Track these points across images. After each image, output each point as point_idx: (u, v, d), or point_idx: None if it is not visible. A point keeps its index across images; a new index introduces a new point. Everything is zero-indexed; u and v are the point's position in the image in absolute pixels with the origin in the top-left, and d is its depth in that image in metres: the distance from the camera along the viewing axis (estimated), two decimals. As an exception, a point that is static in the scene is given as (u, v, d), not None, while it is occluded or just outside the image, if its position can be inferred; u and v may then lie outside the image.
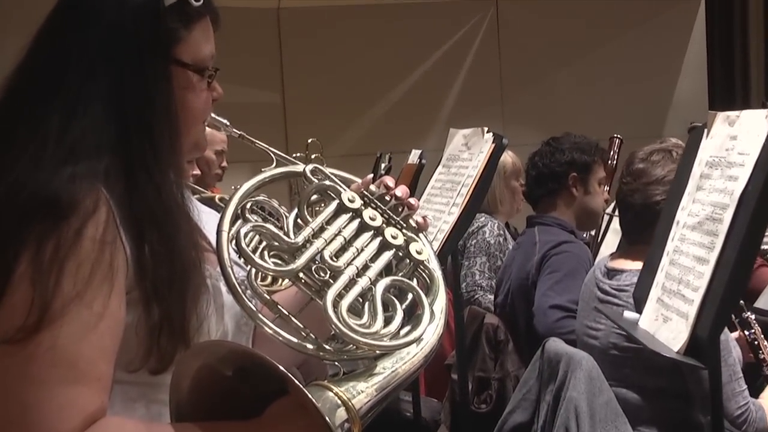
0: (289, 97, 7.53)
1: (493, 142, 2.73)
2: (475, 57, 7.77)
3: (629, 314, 2.16)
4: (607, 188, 3.74)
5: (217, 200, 2.46)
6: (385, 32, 7.52)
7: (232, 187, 1.40)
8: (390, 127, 7.45)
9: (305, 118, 7.34)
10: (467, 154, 2.83)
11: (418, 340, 1.31)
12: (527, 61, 7.69)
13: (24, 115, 1.29)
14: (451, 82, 7.76)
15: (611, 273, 2.69)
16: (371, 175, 1.48)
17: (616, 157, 4.38)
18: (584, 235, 3.98)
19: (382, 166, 4.56)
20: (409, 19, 7.59)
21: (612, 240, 4.03)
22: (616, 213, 4.19)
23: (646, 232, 2.44)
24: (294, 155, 6.54)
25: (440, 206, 2.79)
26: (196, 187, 2.54)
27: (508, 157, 4.23)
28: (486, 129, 2.82)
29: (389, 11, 7.59)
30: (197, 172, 3.75)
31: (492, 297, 3.83)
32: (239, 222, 1.38)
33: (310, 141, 6.56)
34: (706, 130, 2.09)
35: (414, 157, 3.46)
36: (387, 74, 7.52)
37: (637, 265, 2.52)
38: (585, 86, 7.68)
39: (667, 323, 1.95)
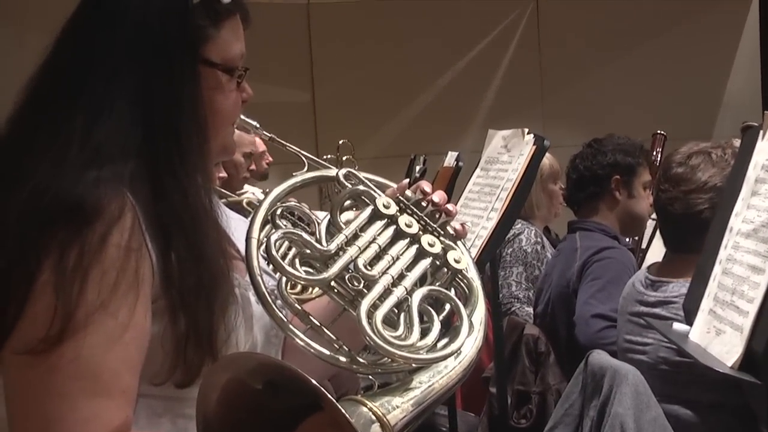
0: (319, 96, 7.55)
1: (534, 144, 2.72)
2: (513, 54, 7.76)
3: (679, 326, 2.13)
4: (652, 192, 3.71)
5: (244, 204, 2.47)
6: (419, 29, 7.52)
7: (259, 192, 1.40)
8: (424, 127, 7.44)
9: (336, 118, 7.36)
10: (507, 156, 2.82)
11: (456, 353, 1.31)
12: (568, 58, 7.66)
13: (47, 117, 1.30)
14: (489, 81, 7.74)
15: (655, 284, 2.65)
16: (407, 180, 1.47)
17: (660, 155, 4.34)
18: (627, 241, 3.95)
19: (417, 168, 4.55)
20: (445, 14, 7.58)
21: (658, 247, 3.98)
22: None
23: (691, 241, 2.41)
24: (324, 157, 6.59)
25: (478, 211, 2.78)
26: (223, 191, 2.55)
27: (545, 159, 4.19)
28: (526, 130, 2.81)
29: (424, 7, 7.58)
30: (224, 174, 3.77)
31: (530, 309, 3.81)
32: (269, 228, 1.38)
33: (341, 142, 6.59)
34: (761, 132, 2.05)
35: (450, 159, 3.45)
36: (422, 72, 7.52)
37: (683, 274, 2.49)
38: (629, 84, 7.62)
39: (720, 336, 1.92)
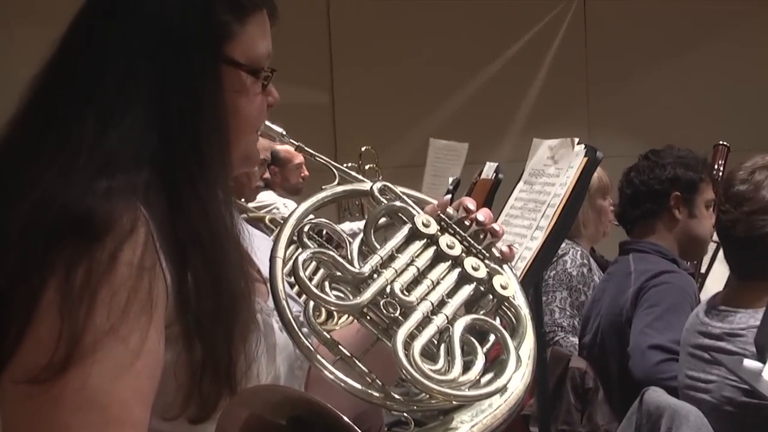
0: (339, 97, 7.59)
1: (584, 156, 2.71)
2: (557, 54, 7.76)
3: (751, 363, 2.12)
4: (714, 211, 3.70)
5: (267, 222, 2.48)
6: (449, 25, 7.54)
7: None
8: (456, 134, 7.44)
9: (357, 122, 7.39)
10: (554, 168, 2.81)
11: (502, 389, 1.31)
12: (618, 58, 7.65)
13: (54, 121, 1.31)
14: (529, 83, 7.75)
15: (721, 314, 2.64)
16: (449, 196, 1.48)
17: (722, 169, 4.32)
18: (687, 265, 3.93)
19: (450, 180, 4.55)
20: (479, 9, 7.59)
21: (720, 272, 3.97)
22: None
23: (756, 267, 2.40)
24: (344, 166, 6.56)
25: (521, 230, 2.78)
26: (243, 205, 2.56)
27: (594, 172, 4.19)
28: (576, 140, 2.80)
29: (454, 1, 7.60)
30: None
31: (575, 339, 3.80)
32: (295, 247, 1.39)
33: (363, 150, 6.61)
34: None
35: (489, 170, 3.45)
36: (452, 73, 7.54)
37: (752, 304, 2.47)
38: (686, 89, 7.60)
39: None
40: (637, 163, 3.63)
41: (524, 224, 2.79)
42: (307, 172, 4.54)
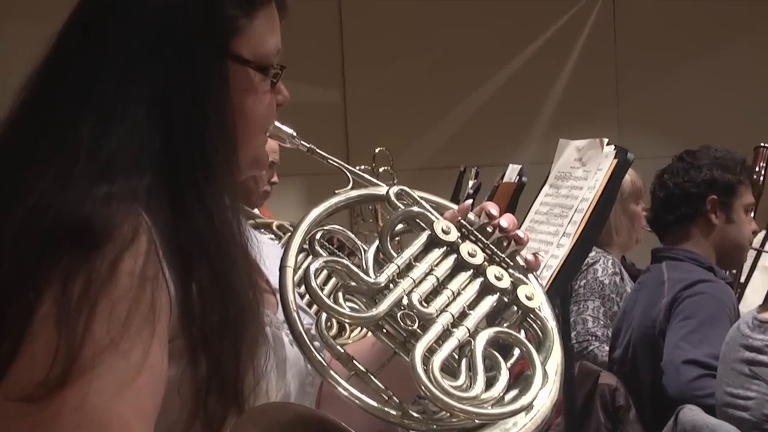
0: (351, 95, 7.58)
1: (615, 158, 2.71)
2: (584, 48, 7.74)
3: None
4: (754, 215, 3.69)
5: (275, 228, 2.48)
6: (468, 19, 7.53)
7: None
8: (476, 133, 7.44)
9: (370, 122, 7.38)
10: (582, 171, 2.81)
11: (527, 407, 1.31)
12: (650, 53, 7.62)
13: (50, 122, 1.32)
14: (554, 79, 7.73)
15: (764, 325, 2.64)
16: (470, 201, 1.48)
17: (763, 172, 4.31)
18: (725, 274, 3.92)
19: (469, 183, 4.54)
20: (501, 2, 7.58)
21: (761, 281, 3.96)
22: (766, 248, 4.14)
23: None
24: (357, 168, 6.56)
25: (547, 236, 2.77)
26: (250, 210, 2.56)
27: (626, 175, 4.18)
28: (606, 140, 2.80)
29: (474, -7, 7.60)
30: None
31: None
32: (306, 256, 1.39)
33: (377, 151, 6.59)
34: None
35: (512, 173, 3.44)
36: (472, 69, 7.52)
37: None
38: (723, 86, 7.58)
39: None
40: (671, 164, 3.63)
41: (550, 231, 2.78)
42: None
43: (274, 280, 1.38)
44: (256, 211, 3.78)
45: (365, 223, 6.27)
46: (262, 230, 2.54)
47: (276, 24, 1.42)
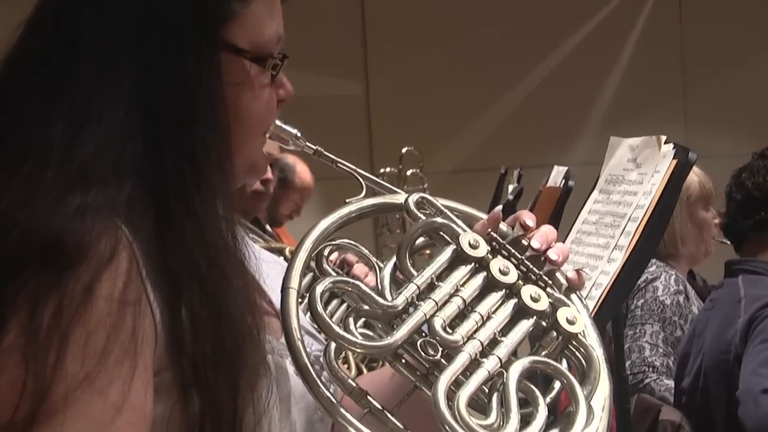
0: (375, 88, 7.61)
1: (674, 158, 2.70)
2: (642, 34, 7.72)
3: None
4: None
5: (287, 253, 2.47)
6: (507, 4, 7.53)
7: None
8: (517, 132, 7.45)
9: (396, 118, 7.40)
10: (636, 174, 2.80)
11: (570, 449, 1.30)
12: (720, 40, 7.61)
13: (16, 124, 1.32)
14: (608, 71, 7.72)
15: None
16: (500, 209, 1.47)
17: None
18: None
19: (510, 188, 4.53)
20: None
21: None
22: None
23: None
24: (381, 171, 6.61)
25: (596, 249, 2.77)
26: (250, 225, 2.58)
27: (693, 176, 4.17)
28: (664, 138, 2.79)
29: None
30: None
31: (670, 382, 3.79)
32: (311, 275, 1.39)
33: (404, 151, 6.62)
34: None
35: (557, 176, 3.44)
36: (511, 59, 7.54)
37: None
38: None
39: None
40: (750, 162, 3.62)
41: (600, 243, 2.78)
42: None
43: (277, 300, 1.37)
44: (268, 227, 3.79)
45: (392, 235, 6.28)
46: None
47: (276, 7, 1.43)
